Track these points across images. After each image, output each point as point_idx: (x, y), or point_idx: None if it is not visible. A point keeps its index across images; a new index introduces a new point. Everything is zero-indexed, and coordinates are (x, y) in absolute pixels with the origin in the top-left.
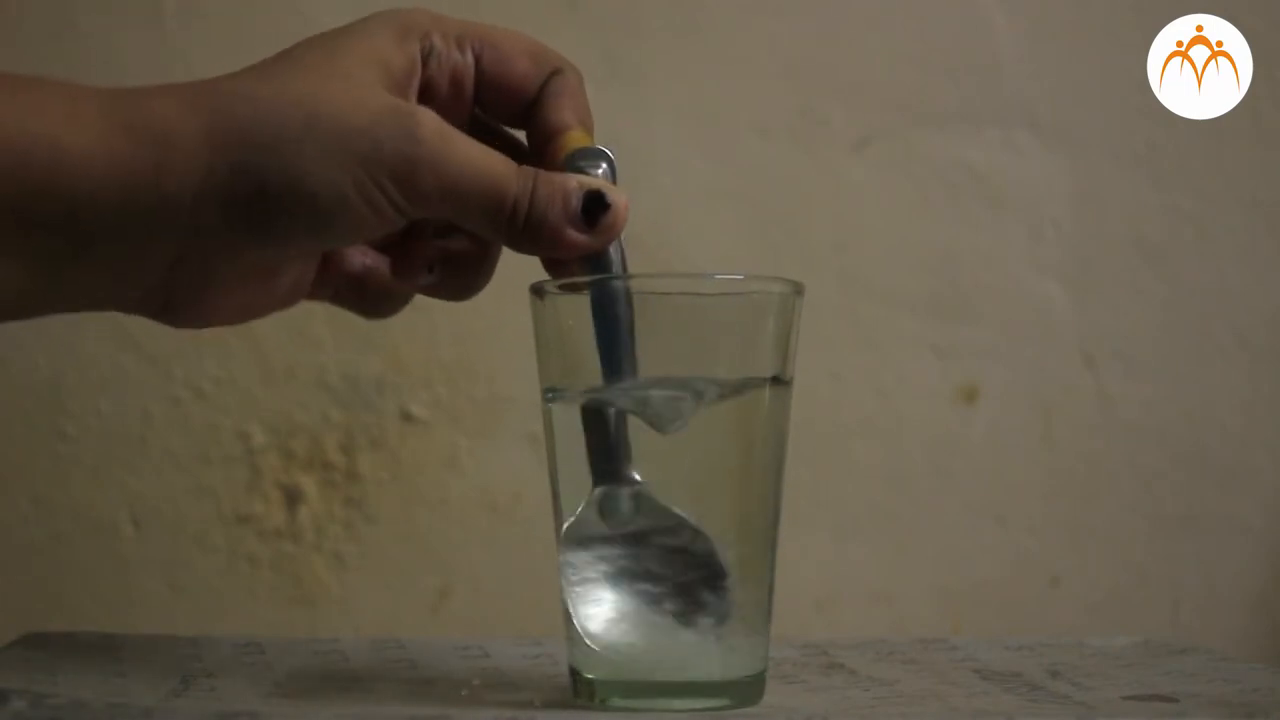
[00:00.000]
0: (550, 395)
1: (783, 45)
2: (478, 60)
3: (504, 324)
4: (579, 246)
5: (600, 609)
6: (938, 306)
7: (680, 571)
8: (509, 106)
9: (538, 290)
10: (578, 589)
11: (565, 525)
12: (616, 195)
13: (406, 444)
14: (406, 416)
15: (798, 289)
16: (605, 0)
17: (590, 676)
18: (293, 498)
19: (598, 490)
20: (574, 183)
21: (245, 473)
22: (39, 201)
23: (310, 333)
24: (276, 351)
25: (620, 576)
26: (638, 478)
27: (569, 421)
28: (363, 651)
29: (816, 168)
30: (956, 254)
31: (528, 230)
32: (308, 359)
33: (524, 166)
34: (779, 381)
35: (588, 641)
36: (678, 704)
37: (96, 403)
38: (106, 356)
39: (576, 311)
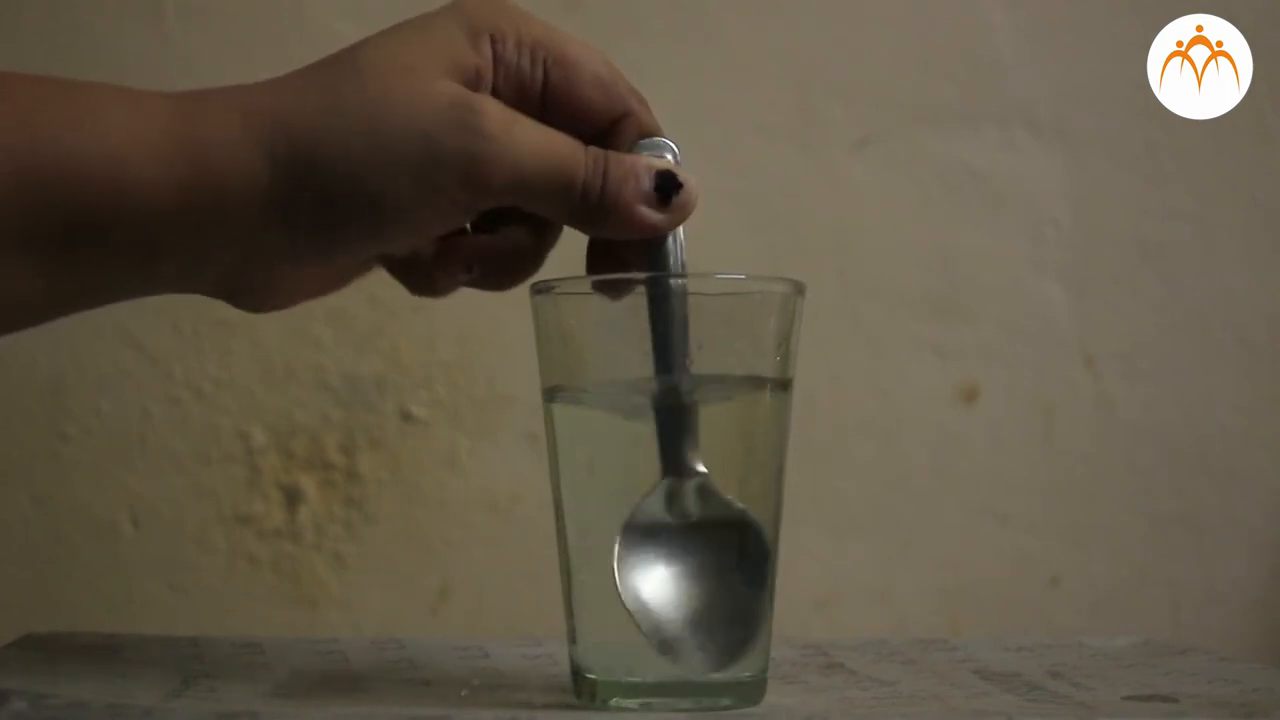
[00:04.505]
0: (550, 394)
1: (783, 45)
2: (545, 77)
3: (504, 324)
4: (652, 226)
5: (660, 603)
6: (938, 306)
7: (734, 570)
8: (571, 131)
9: (539, 289)
10: (641, 580)
11: (628, 516)
12: (687, 176)
13: (406, 444)
14: (406, 416)
15: (799, 289)
16: (605, 0)
17: (591, 676)
18: (293, 498)
19: (664, 482)
20: (644, 162)
21: (245, 473)
22: (101, 221)
23: (310, 333)
24: (276, 351)
25: (679, 571)
26: (702, 469)
27: (570, 421)
28: (363, 651)
29: (816, 167)
30: (956, 254)
31: (600, 210)
32: (308, 359)
33: (592, 147)
34: (780, 381)
35: (644, 634)
36: (679, 704)
37: (96, 403)
38: (106, 356)
39: (578, 311)
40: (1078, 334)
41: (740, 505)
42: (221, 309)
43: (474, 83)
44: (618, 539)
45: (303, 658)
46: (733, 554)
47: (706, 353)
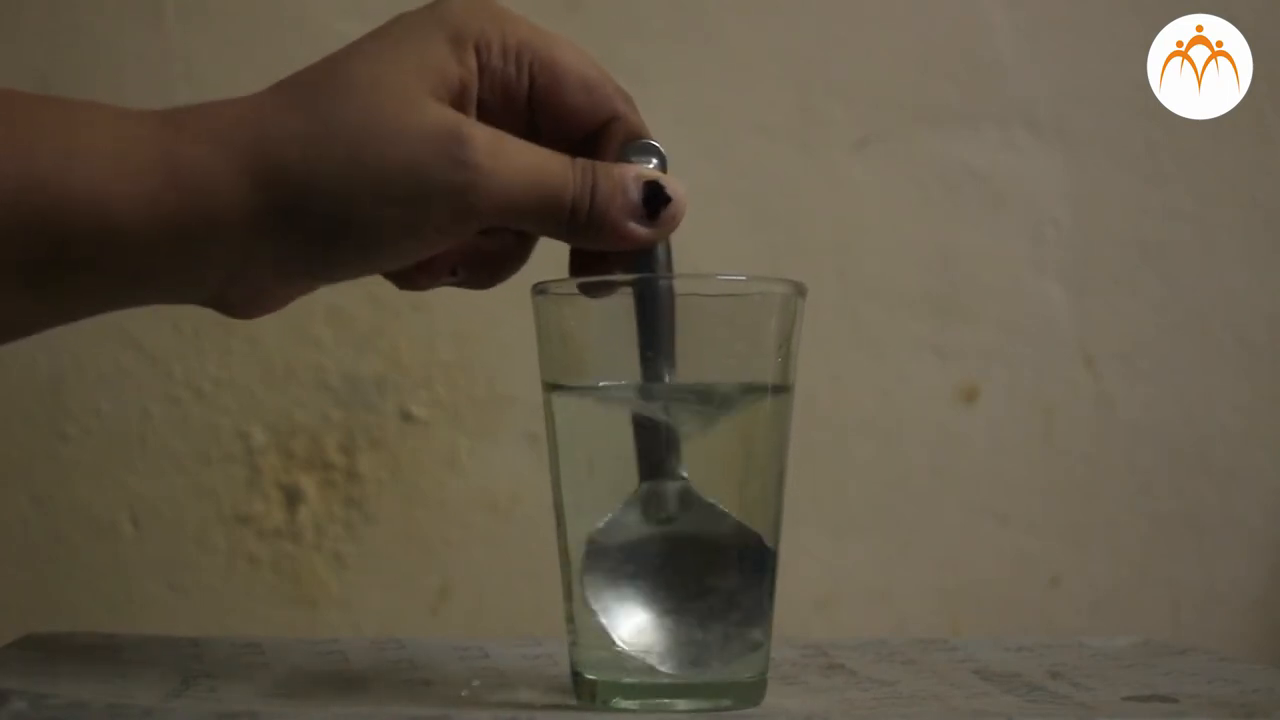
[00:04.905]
0: (550, 394)
1: (783, 45)
2: (531, 82)
3: (504, 323)
4: (641, 240)
5: (632, 608)
6: (938, 306)
7: (721, 572)
8: (558, 135)
9: (539, 290)
10: (607, 589)
11: (602, 522)
12: (675, 186)
13: (406, 444)
14: (406, 416)
15: (800, 290)
16: (605, 1)
17: (591, 677)
18: (293, 498)
19: (643, 486)
20: (632, 173)
21: (245, 473)
22: (88, 248)
23: (310, 333)
24: (276, 351)
25: (657, 576)
26: (684, 474)
27: (570, 421)
28: (363, 651)
29: (816, 167)
30: (956, 254)
31: (589, 227)
32: (308, 359)
33: (579, 161)
34: (780, 382)
35: (619, 642)
36: (679, 704)
37: (96, 403)
38: (106, 356)
39: (578, 311)
40: (1078, 334)
41: (725, 509)
42: None
43: (459, 95)
44: (583, 553)
45: (303, 658)
46: (722, 558)
47: (706, 355)
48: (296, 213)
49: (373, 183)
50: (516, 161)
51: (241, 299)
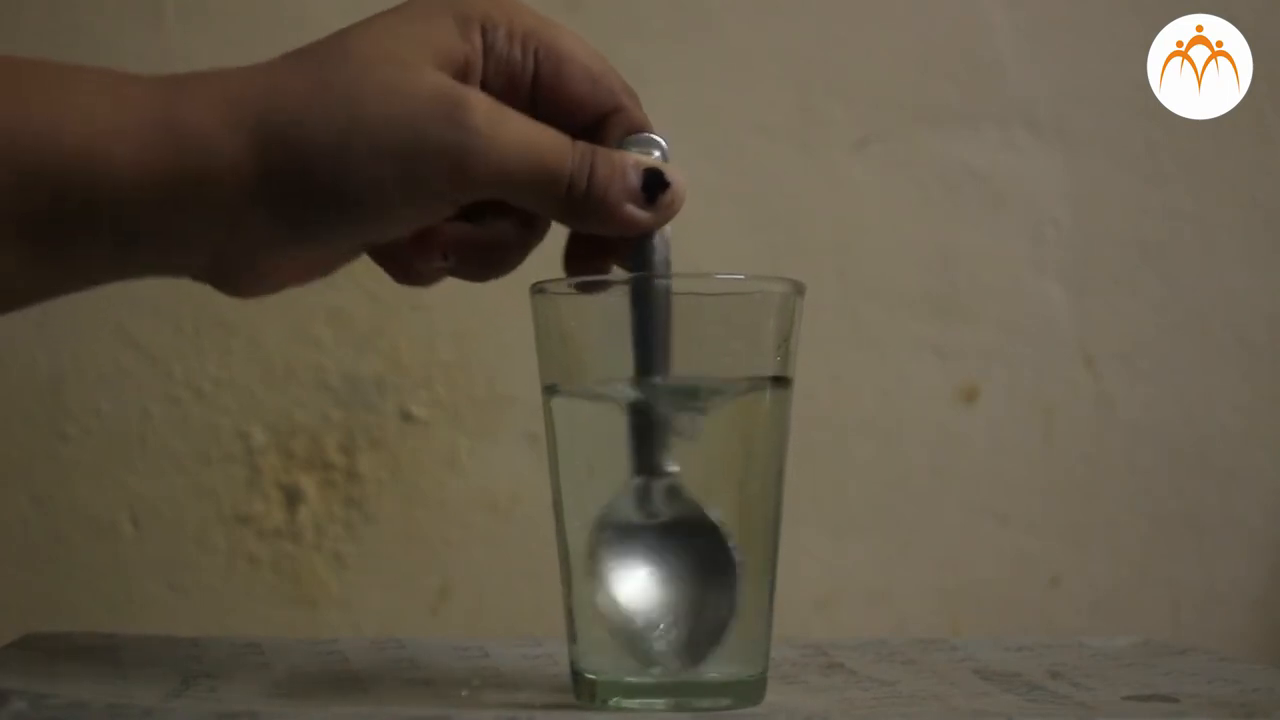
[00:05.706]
0: (550, 394)
1: (783, 45)
2: (536, 69)
3: (504, 323)
4: (639, 223)
5: (625, 606)
6: (938, 306)
7: (716, 571)
8: (560, 124)
9: (538, 289)
10: (597, 579)
11: (597, 514)
12: (675, 173)
13: (406, 444)
14: (406, 416)
15: (799, 289)
16: (605, 1)
17: (591, 676)
18: (293, 498)
19: (635, 481)
20: (632, 160)
21: (245, 473)
22: (82, 204)
23: (310, 333)
24: (276, 351)
25: (650, 574)
26: (674, 469)
27: (569, 420)
28: (363, 651)
29: (816, 167)
30: (956, 254)
31: (586, 206)
32: (308, 359)
33: (579, 142)
34: (780, 381)
35: (611, 632)
36: (678, 704)
37: (96, 403)
38: (106, 356)
39: (577, 311)
40: (1078, 334)
41: (703, 506)
42: (222, 308)
43: (463, 73)
44: (593, 536)
45: (303, 658)
46: (696, 555)
47: (705, 353)
48: (292, 171)
49: (369, 141)
50: (515, 130)
51: (234, 269)
